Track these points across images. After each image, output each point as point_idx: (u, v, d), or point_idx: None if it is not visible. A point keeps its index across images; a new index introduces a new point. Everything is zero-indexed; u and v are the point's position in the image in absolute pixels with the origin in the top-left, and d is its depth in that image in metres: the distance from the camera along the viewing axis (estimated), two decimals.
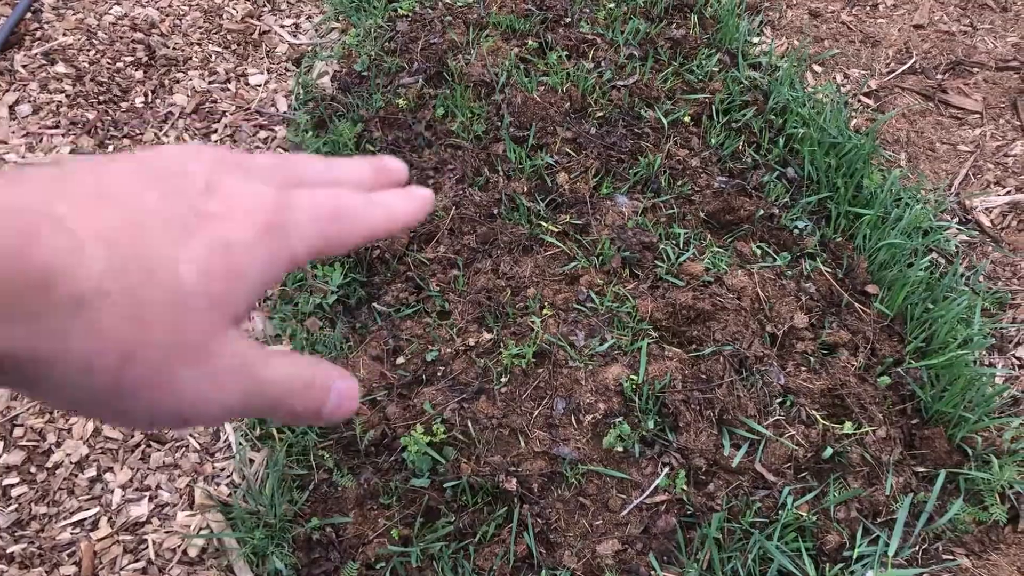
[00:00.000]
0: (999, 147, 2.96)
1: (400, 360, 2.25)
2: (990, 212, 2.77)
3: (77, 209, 0.34)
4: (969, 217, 2.76)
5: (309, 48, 3.39)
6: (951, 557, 1.96)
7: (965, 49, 3.33)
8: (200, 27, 3.37)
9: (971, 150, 2.96)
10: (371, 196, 0.46)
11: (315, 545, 1.97)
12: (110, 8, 3.31)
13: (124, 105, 2.99)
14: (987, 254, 2.64)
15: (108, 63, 3.10)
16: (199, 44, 3.30)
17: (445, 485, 1.97)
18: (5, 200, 0.32)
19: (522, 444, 2.02)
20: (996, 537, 2.00)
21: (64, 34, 3.15)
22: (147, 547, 2.00)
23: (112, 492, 2.09)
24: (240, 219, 0.38)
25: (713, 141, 2.81)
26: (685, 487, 1.95)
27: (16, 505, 2.04)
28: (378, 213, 0.45)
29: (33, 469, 2.10)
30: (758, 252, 2.47)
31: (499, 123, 2.79)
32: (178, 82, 3.12)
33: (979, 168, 2.90)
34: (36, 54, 3.05)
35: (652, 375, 2.10)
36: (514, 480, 1.94)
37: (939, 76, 3.24)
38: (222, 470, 2.15)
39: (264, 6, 3.53)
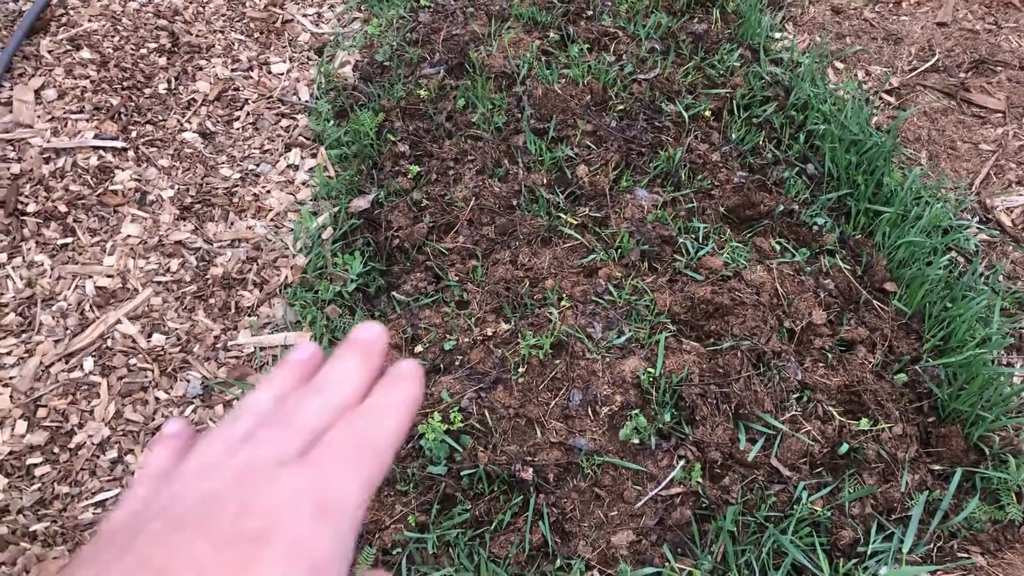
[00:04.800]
0: (1022, 146, 2.94)
1: (418, 349, 2.27)
2: (1011, 212, 2.75)
3: None
4: (990, 216, 2.75)
5: (331, 37, 3.40)
6: (966, 555, 1.96)
7: (989, 48, 3.31)
8: (223, 15, 3.39)
9: (993, 149, 2.94)
10: (376, 407, 0.47)
11: None
12: None
13: (147, 91, 3.01)
14: (1007, 254, 2.63)
15: (132, 49, 3.12)
16: (222, 32, 3.32)
17: (462, 473, 1.99)
18: None
19: (538, 434, 2.03)
20: (1012, 536, 2.00)
21: (89, 20, 3.18)
22: None
23: (133, 474, 2.12)
24: (292, 518, 0.38)
25: (734, 136, 2.81)
26: (700, 480, 1.96)
27: (39, 484, 2.07)
28: (390, 423, 0.46)
29: (56, 449, 2.13)
30: (777, 248, 2.47)
31: (520, 115, 2.80)
32: (201, 69, 3.14)
33: (1000, 167, 2.89)
34: (62, 40, 3.08)
35: (669, 368, 2.11)
36: (530, 470, 1.95)
37: (962, 74, 3.23)
38: None
39: None
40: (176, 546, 0.37)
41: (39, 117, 2.84)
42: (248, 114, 3.03)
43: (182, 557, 0.36)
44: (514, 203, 2.56)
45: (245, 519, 0.37)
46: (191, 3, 3.40)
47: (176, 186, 2.73)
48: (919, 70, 3.26)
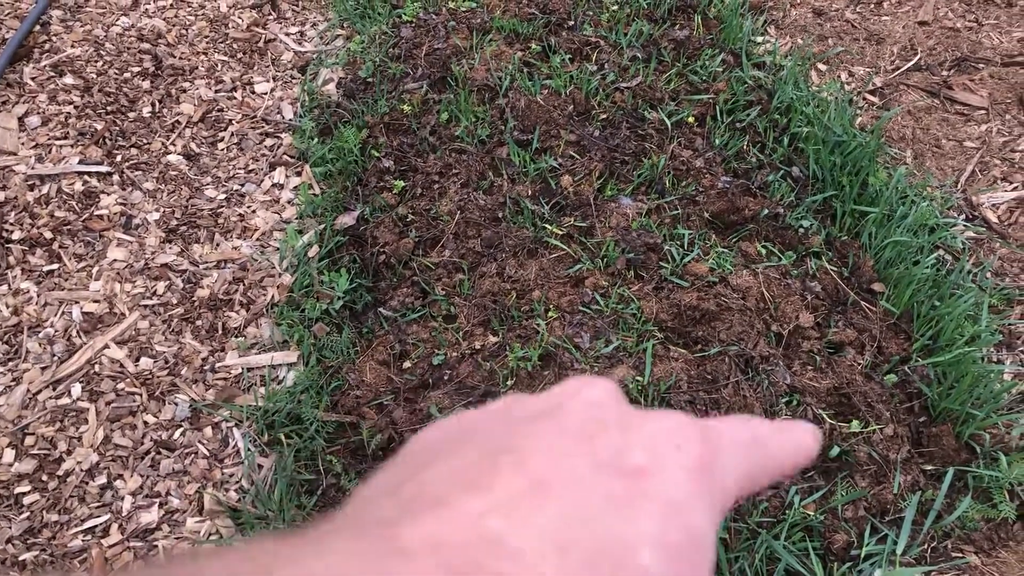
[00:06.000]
0: (1005, 143, 2.94)
1: (407, 364, 2.26)
2: (997, 208, 2.75)
3: (514, 517, 0.28)
4: (976, 213, 2.75)
5: (314, 55, 3.40)
6: (960, 555, 1.95)
7: (970, 45, 3.32)
8: (206, 36, 3.40)
9: (977, 146, 2.95)
10: (769, 436, 0.40)
11: None
12: (117, 19, 3.34)
13: (132, 115, 3.01)
14: (994, 250, 2.63)
15: (115, 74, 3.12)
16: (205, 53, 3.33)
17: None
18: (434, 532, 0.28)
19: None
20: (1005, 534, 1.99)
21: (72, 46, 3.18)
22: (157, 553, 2.01)
23: (122, 499, 2.11)
24: (671, 466, 0.32)
25: (717, 141, 2.81)
26: None
27: (28, 513, 2.06)
28: (788, 442, 0.39)
29: (44, 477, 2.12)
30: (763, 252, 2.47)
31: (503, 127, 2.80)
32: (185, 91, 3.14)
33: (985, 164, 2.89)
34: (45, 66, 3.08)
35: (658, 376, 2.10)
36: None
37: (944, 73, 3.23)
38: (231, 476, 2.17)
39: (269, 14, 3.55)
40: (555, 458, 0.31)
41: (23, 144, 2.84)
42: (232, 134, 3.03)
43: (560, 467, 0.31)
44: (499, 215, 2.56)
45: (627, 448, 0.32)
46: (174, 26, 3.40)
47: (161, 209, 2.73)
48: (902, 69, 3.27)
